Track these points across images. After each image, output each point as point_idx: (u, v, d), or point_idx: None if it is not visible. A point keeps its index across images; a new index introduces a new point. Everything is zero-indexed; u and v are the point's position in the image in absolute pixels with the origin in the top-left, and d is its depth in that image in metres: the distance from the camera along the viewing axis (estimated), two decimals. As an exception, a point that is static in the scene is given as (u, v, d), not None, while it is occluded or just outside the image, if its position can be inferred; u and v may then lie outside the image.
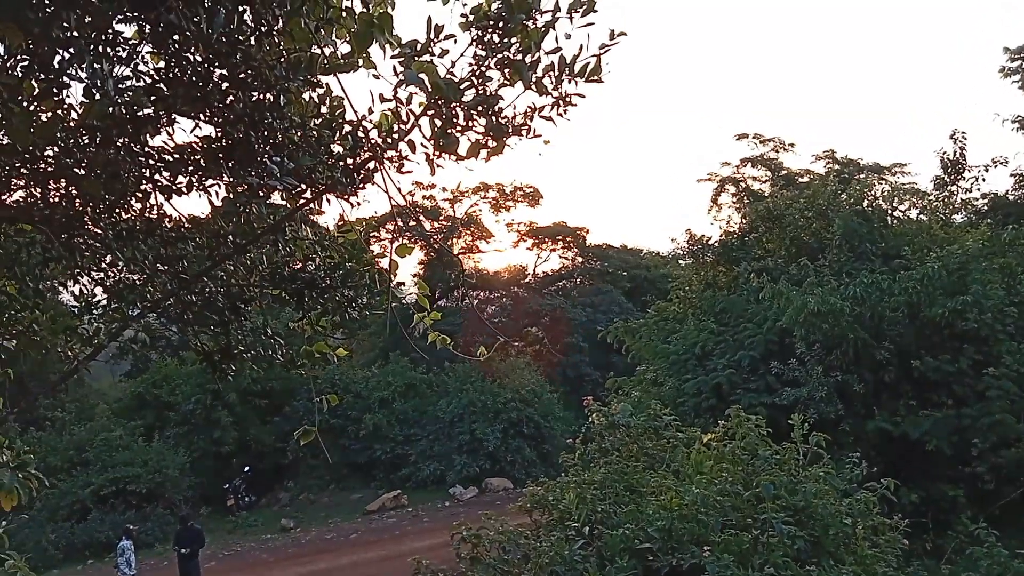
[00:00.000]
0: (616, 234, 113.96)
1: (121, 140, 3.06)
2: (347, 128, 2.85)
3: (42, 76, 2.70)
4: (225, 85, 2.96)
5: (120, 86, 2.63)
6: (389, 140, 2.71)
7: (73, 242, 3.09)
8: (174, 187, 3.07)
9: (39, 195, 3.12)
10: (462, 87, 2.57)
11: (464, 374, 34.55)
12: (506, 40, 2.57)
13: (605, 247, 50.10)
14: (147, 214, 3.20)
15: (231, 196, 3.04)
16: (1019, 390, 13.24)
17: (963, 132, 22.19)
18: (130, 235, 3.20)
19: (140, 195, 3.14)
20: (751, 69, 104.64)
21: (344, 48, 2.75)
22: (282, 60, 2.67)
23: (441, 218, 43.91)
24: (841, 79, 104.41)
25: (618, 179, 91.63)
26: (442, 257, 44.65)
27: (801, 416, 13.80)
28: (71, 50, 2.52)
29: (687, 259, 19.37)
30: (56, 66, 2.65)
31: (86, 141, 3.12)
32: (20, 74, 2.68)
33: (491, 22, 2.60)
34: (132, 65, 3.06)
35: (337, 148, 2.79)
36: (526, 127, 2.72)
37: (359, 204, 3.05)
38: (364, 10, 2.47)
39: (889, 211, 16.74)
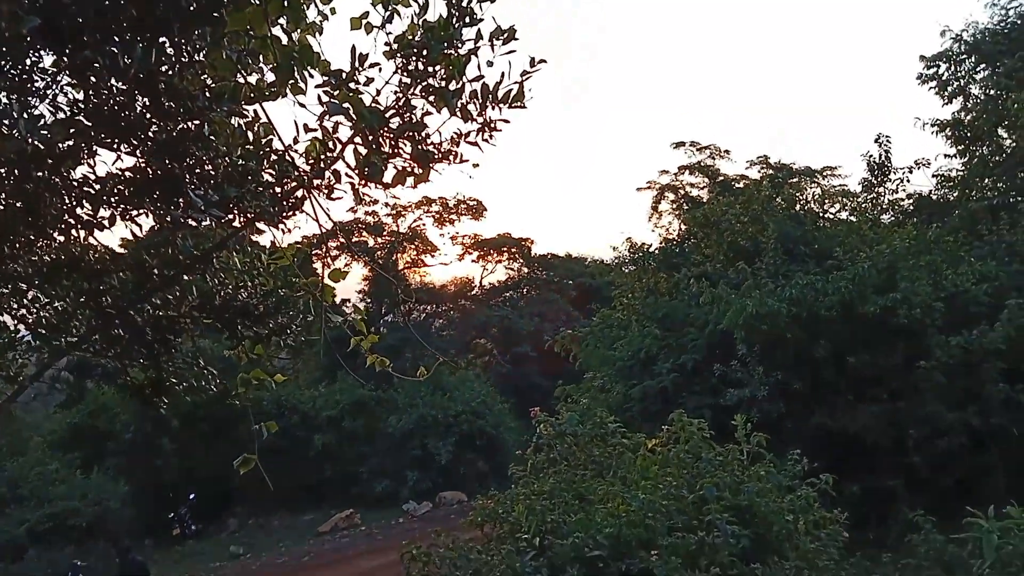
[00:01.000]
0: (561, 243, 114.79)
1: (40, 173, 2.99)
2: (274, 157, 2.84)
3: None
4: (148, 115, 2.93)
5: (38, 122, 2.58)
6: (318, 168, 2.72)
7: (-7, 278, 3.00)
8: (96, 221, 3.01)
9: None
10: (387, 115, 2.59)
11: (413, 389, 34.31)
12: (430, 68, 2.60)
13: (550, 257, 50.54)
14: (70, 248, 3.13)
15: (156, 228, 3.00)
16: (949, 381, 13.78)
17: (887, 136, 23.17)
18: (53, 270, 3.12)
19: (62, 228, 3.07)
20: (690, 70, 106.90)
21: (272, 76, 2.75)
22: (204, 90, 2.65)
23: (384, 233, 43.62)
24: (771, 79, 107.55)
25: (561, 189, 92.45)
26: (386, 272, 44.38)
27: (744, 416, 14.18)
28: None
29: (629, 267, 19.64)
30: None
31: (3, 174, 3.04)
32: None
33: (415, 50, 2.63)
34: (52, 96, 3.01)
35: (266, 176, 2.78)
36: (452, 153, 2.76)
37: (289, 231, 3.03)
38: (287, 41, 2.47)
39: (820, 213, 17.28)
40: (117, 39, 2.64)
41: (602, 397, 16.60)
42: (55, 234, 3.07)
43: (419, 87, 2.63)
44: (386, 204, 44.29)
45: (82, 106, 2.99)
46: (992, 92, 20.67)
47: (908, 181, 22.54)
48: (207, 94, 2.64)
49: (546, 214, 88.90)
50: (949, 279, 15.48)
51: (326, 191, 2.76)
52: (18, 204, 3.10)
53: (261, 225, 3.11)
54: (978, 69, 21.49)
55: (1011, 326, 13.65)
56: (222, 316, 3.27)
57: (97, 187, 3.12)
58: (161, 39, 2.53)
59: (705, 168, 45.85)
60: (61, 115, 3.03)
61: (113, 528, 26.48)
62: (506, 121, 2.70)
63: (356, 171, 2.59)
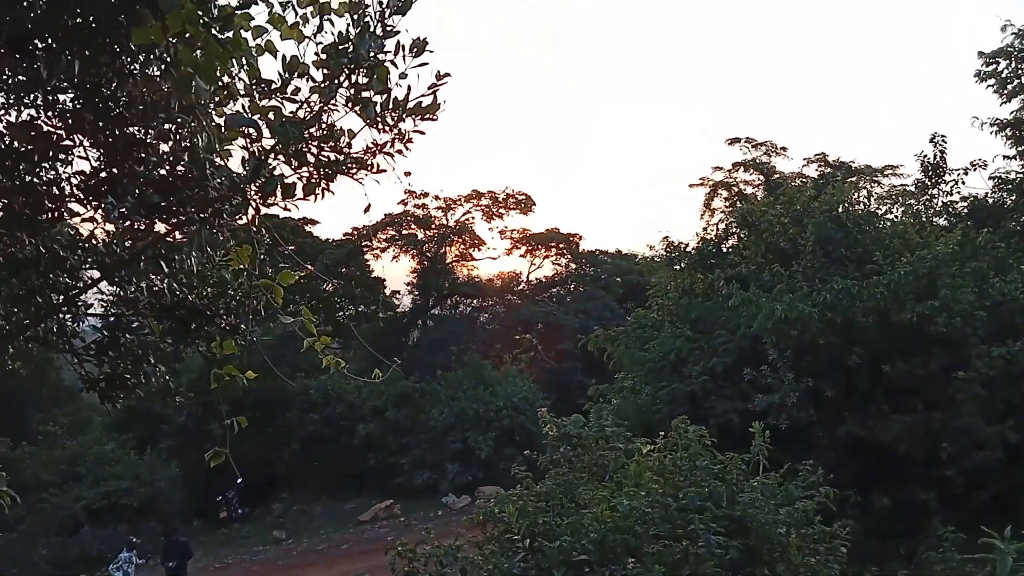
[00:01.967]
0: (611, 240, 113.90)
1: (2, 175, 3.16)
2: (215, 165, 2.95)
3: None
4: (99, 122, 3.07)
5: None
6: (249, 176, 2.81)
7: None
8: (57, 217, 3.17)
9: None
10: (305, 125, 2.67)
11: (456, 383, 34.63)
12: (354, 77, 2.67)
13: (599, 253, 50.19)
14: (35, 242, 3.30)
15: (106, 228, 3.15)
16: (988, 393, 13.29)
17: (943, 135, 22.35)
18: (20, 264, 3.31)
19: (25, 223, 3.24)
20: (746, 67, 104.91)
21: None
22: (139, 102, 2.78)
23: (433, 227, 43.98)
24: (833, 77, 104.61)
25: (615, 184, 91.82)
26: (435, 265, 44.80)
27: (772, 422, 13.90)
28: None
29: (666, 267, 19.42)
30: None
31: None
32: None
33: (343, 60, 2.70)
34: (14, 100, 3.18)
35: (203, 186, 2.89)
36: (368, 163, 2.82)
37: (239, 234, 3.14)
38: (207, 52, 2.57)
39: (866, 216, 16.79)
40: (60, 52, 2.79)
41: (632, 398, 16.49)
42: (19, 231, 3.24)
43: (343, 96, 2.70)
44: (436, 197, 44.71)
45: (40, 111, 3.16)
46: (1056, 91, 19.79)
47: (963, 183, 21.73)
48: (141, 105, 2.77)
49: (597, 210, 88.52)
50: (996, 287, 14.92)
51: (259, 198, 2.85)
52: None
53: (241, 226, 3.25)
54: (1041, 66, 20.55)
55: (1058, 337, 13.10)
56: (173, 315, 3.41)
57: (58, 187, 3.29)
58: (95, 51, 2.66)
59: (760, 165, 44.94)
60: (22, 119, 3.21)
61: (163, 508, 27.47)
62: (421, 132, 2.76)
63: (255, 186, 2.67)
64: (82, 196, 3.11)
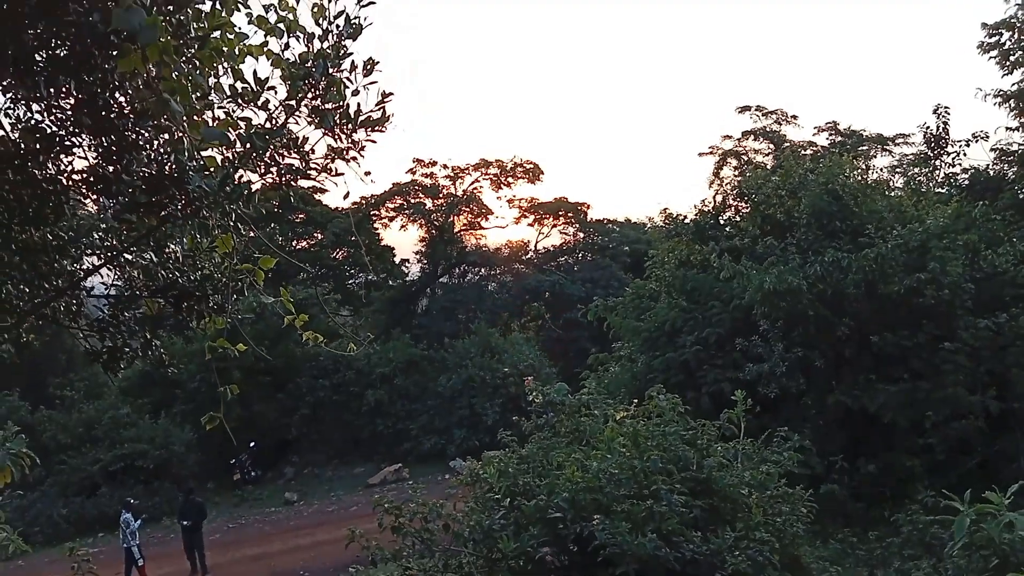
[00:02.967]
0: (620, 209, 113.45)
1: (9, 171, 3.57)
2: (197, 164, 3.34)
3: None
4: (95, 126, 3.47)
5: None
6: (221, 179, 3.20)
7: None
8: (62, 210, 3.59)
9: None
10: (271, 135, 3.05)
11: (464, 351, 35.24)
12: (315, 91, 3.04)
13: (607, 222, 50.32)
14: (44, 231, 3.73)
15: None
16: (973, 364, 13.62)
17: (946, 107, 22.36)
18: (30, 249, 3.74)
19: (32, 216, 3.67)
20: (754, 35, 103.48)
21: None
22: (130, 110, 3.17)
23: (440, 196, 44.23)
24: (836, 47, 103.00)
25: (621, 152, 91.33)
26: (443, 234, 45.15)
27: (763, 391, 14.31)
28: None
29: (669, 237, 19.70)
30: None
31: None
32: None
33: (306, 76, 3.08)
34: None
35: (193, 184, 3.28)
36: (327, 167, 3.21)
37: (222, 228, 3.54)
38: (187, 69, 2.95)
39: (859, 188, 16.97)
40: (58, 69, 3.18)
41: (628, 366, 16.94)
42: (27, 221, 3.66)
43: (305, 109, 3.07)
44: (444, 166, 44.89)
45: (44, 115, 3.56)
46: (1059, 63, 19.71)
47: (965, 155, 21.81)
48: (131, 113, 3.15)
49: (607, 179, 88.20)
50: (988, 259, 15.16)
51: (227, 202, 3.24)
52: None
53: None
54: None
55: (1043, 309, 13.37)
56: (166, 295, 3.82)
57: (62, 182, 3.71)
58: (88, 69, 3.05)
59: (771, 134, 44.67)
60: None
61: (177, 471, 28.34)
62: (373, 141, 3.13)
63: (222, 190, 3.05)
64: (83, 190, 3.52)
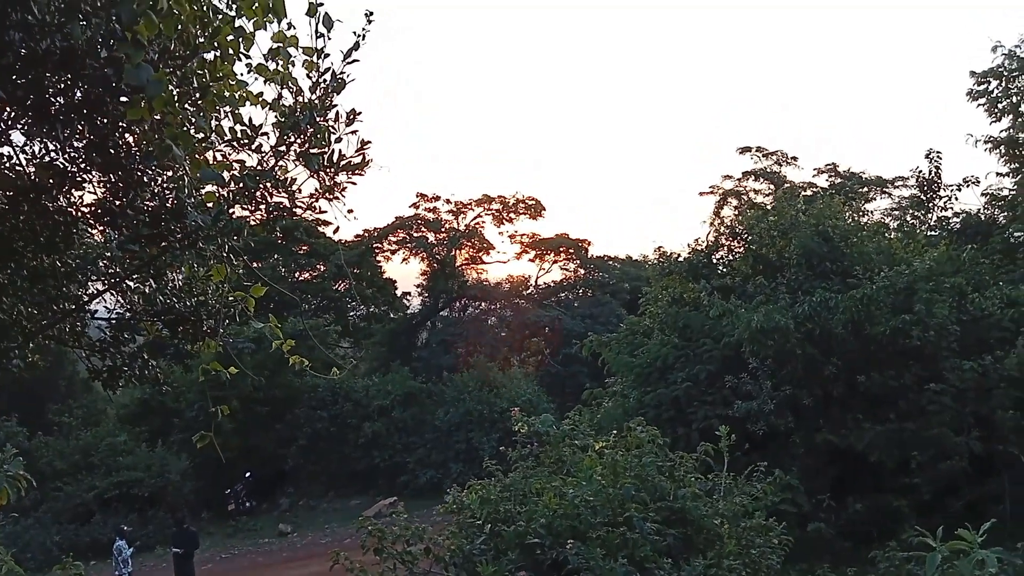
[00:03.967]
0: (620, 246, 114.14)
1: (26, 204, 3.92)
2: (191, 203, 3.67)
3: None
4: (104, 163, 3.81)
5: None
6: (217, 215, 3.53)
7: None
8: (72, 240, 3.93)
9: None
10: (263, 176, 3.39)
11: (462, 384, 35.41)
12: (303, 136, 3.39)
13: (607, 258, 50.74)
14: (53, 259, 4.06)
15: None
16: (958, 406, 13.82)
17: (938, 152, 22.81)
18: (37, 274, 4.07)
19: (45, 245, 4.00)
20: (755, 76, 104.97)
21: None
22: (136, 151, 3.52)
23: (443, 230, 44.71)
24: (837, 89, 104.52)
25: (624, 190, 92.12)
26: (444, 268, 45.54)
27: (752, 428, 14.50)
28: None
29: (663, 275, 20.03)
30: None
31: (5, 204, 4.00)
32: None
33: (296, 122, 3.43)
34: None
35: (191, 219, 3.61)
36: (312, 206, 3.55)
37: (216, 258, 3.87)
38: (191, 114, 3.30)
39: (850, 230, 17.32)
40: (72, 113, 3.54)
41: (621, 402, 17.14)
42: (39, 249, 3.98)
43: (293, 152, 3.41)
44: (447, 201, 45.46)
45: (56, 153, 3.92)
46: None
47: (956, 199, 22.20)
48: (137, 152, 3.49)
49: (609, 216, 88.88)
50: (975, 302, 15.43)
51: (219, 237, 3.56)
52: (12, 224, 4.04)
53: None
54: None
55: (1026, 353, 13.62)
56: (164, 320, 4.13)
57: (72, 213, 4.05)
58: (100, 114, 3.40)
59: (771, 175, 45.23)
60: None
61: (173, 500, 28.37)
62: (353, 183, 3.47)
63: (214, 224, 3.38)
64: (91, 221, 3.86)
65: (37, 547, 24.82)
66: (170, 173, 3.65)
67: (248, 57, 3.70)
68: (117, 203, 3.71)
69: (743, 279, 16.88)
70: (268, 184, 3.38)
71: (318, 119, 3.33)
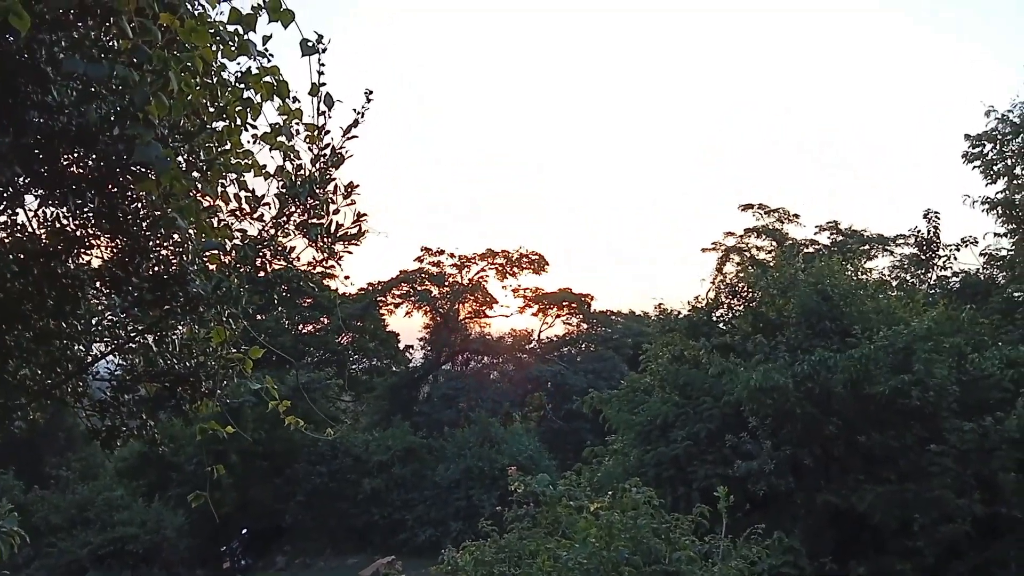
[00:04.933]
0: (623, 301, 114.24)
1: (36, 267, 4.06)
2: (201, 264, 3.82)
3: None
4: (111, 228, 3.97)
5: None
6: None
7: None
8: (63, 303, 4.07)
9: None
10: (262, 245, 3.55)
11: (463, 440, 35.15)
12: (303, 207, 3.56)
13: (610, 313, 50.91)
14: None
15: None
16: (959, 467, 13.71)
17: (936, 212, 23.10)
18: (44, 335, 4.19)
19: (52, 307, 4.13)
20: (761, 135, 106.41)
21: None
22: (142, 217, 3.68)
23: (446, 284, 45.01)
24: (840, 147, 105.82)
25: (627, 246, 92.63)
26: (447, 322, 45.68)
27: (752, 488, 14.38)
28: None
29: (663, 332, 20.09)
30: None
31: (14, 266, 4.15)
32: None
33: (295, 193, 3.60)
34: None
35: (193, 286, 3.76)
36: (308, 274, 3.70)
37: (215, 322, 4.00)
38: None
39: (850, 289, 17.41)
40: (83, 182, 3.71)
41: (621, 460, 17.03)
42: (46, 312, 4.12)
43: (293, 222, 3.58)
44: (451, 255, 45.88)
45: (67, 219, 4.08)
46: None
47: (955, 259, 22.41)
48: (144, 220, 3.66)
49: (612, 271, 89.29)
50: (974, 362, 15.42)
51: (218, 304, 3.70)
52: (22, 287, 4.18)
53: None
54: (1024, 150, 21.33)
55: (1028, 414, 13.56)
56: (163, 380, 4.24)
57: (79, 277, 4.19)
58: (111, 184, 3.57)
59: (773, 231, 45.62)
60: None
61: (167, 556, 27.98)
62: (349, 252, 3.63)
63: (214, 293, 3.52)
64: (97, 285, 4.01)
65: (28, 605, 24.46)
66: (175, 237, 3.80)
67: (255, 127, 3.90)
68: (122, 268, 3.86)
69: (743, 337, 16.92)
70: (268, 252, 3.53)
71: (318, 191, 3.49)
